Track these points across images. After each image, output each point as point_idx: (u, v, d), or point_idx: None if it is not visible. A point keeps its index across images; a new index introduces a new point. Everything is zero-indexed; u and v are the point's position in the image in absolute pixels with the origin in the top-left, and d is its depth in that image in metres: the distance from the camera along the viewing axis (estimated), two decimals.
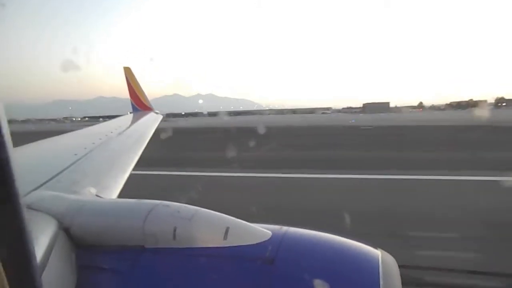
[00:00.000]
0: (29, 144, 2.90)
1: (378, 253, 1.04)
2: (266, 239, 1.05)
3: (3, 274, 0.53)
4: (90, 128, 4.65)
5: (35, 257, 0.61)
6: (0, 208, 0.53)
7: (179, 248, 1.04)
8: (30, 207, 1.20)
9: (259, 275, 0.97)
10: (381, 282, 0.93)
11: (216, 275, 1.00)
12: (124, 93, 9.25)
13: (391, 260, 1.05)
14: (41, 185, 1.61)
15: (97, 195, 1.65)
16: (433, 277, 4.64)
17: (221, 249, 1.03)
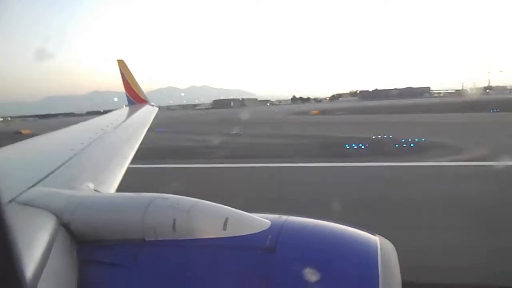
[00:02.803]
0: (25, 141, 2.88)
1: (376, 239, 1.05)
2: (265, 228, 1.05)
3: None
4: (86, 122, 4.61)
5: (21, 260, 0.59)
6: None
7: (179, 240, 1.05)
8: (28, 204, 1.19)
9: (260, 264, 0.97)
10: (379, 268, 0.94)
11: (217, 265, 1.01)
12: (119, 86, 9.16)
13: (389, 246, 1.06)
14: (39, 181, 1.60)
15: (95, 190, 1.65)
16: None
17: (221, 239, 1.03)
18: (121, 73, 9.21)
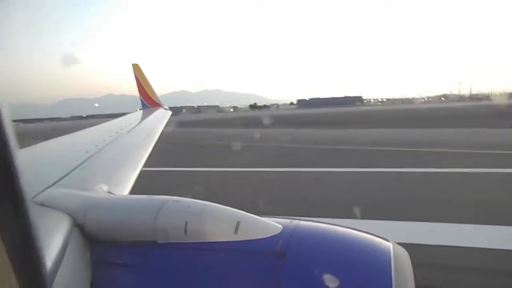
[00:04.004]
0: (41, 143, 2.95)
1: (389, 245, 1.03)
2: (277, 232, 1.05)
3: (12, 273, 0.53)
4: (100, 125, 4.69)
5: (43, 256, 0.61)
6: (5, 207, 0.53)
7: (190, 243, 1.05)
8: (44, 205, 1.22)
9: (271, 269, 0.97)
10: (393, 275, 0.92)
11: (227, 269, 1.01)
12: (133, 90, 9.31)
13: (403, 253, 1.04)
14: (55, 182, 1.63)
15: (109, 192, 1.67)
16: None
17: (232, 243, 1.03)
18: (136, 77, 9.36)
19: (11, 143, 0.52)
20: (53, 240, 0.98)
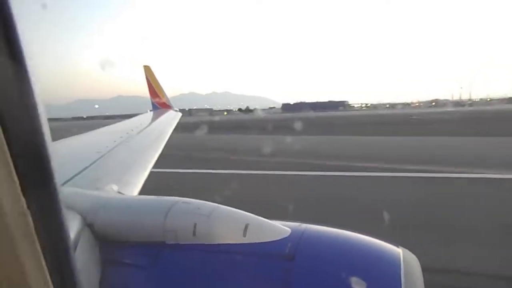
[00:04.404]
0: (55, 142, 2.99)
1: (399, 251, 1.01)
2: (285, 235, 1.04)
3: (45, 267, 0.55)
4: (111, 126, 4.75)
5: (73, 252, 0.63)
6: (41, 204, 0.55)
7: (199, 244, 1.05)
8: None
9: (279, 272, 0.96)
10: (402, 281, 0.91)
11: (236, 271, 1.01)
12: (142, 91, 9.39)
13: (412, 259, 1.03)
14: (66, 181, 1.66)
15: (119, 192, 1.69)
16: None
17: (241, 245, 1.03)
18: (147, 79, 9.46)
19: (48, 141, 0.55)
20: None
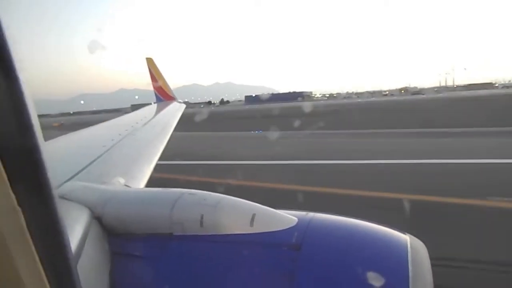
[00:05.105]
0: (59, 137, 3.02)
1: (406, 238, 1.01)
2: (292, 225, 1.04)
3: (39, 265, 0.54)
4: (116, 119, 4.76)
5: (70, 248, 0.62)
6: (33, 200, 0.54)
7: (206, 235, 1.06)
8: (63, 197, 1.25)
9: (287, 261, 0.97)
10: (410, 268, 0.91)
11: (243, 261, 1.01)
12: (145, 84, 9.38)
13: (420, 246, 1.02)
14: (73, 176, 1.67)
15: (125, 185, 1.70)
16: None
17: (248, 235, 1.04)
18: (150, 71, 9.43)
19: (38, 136, 0.54)
20: (74, 232, 1.00)
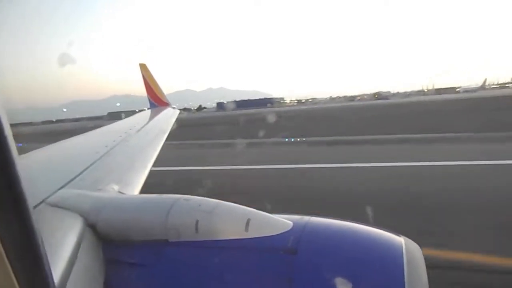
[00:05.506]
0: (52, 145, 2.99)
1: (401, 240, 1.02)
2: (287, 229, 1.04)
3: (14, 281, 0.53)
4: (109, 126, 4.73)
5: (47, 263, 0.61)
6: (7, 215, 0.52)
7: (201, 241, 1.06)
8: (57, 206, 1.24)
9: (282, 266, 0.97)
10: (405, 270, 0.91)
11: (239, 266, 1.01)
12: (137, 90, 9.36)
13: (415, 248, 1.03)
14: (67, 183, 1.66)
15: (119, 192, 1.69)
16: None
17: (243, 240, 1.03)
18: (143, 77, 9.39)
19: (11, 149, 0.52)
20: (67, 240, 0.99)
